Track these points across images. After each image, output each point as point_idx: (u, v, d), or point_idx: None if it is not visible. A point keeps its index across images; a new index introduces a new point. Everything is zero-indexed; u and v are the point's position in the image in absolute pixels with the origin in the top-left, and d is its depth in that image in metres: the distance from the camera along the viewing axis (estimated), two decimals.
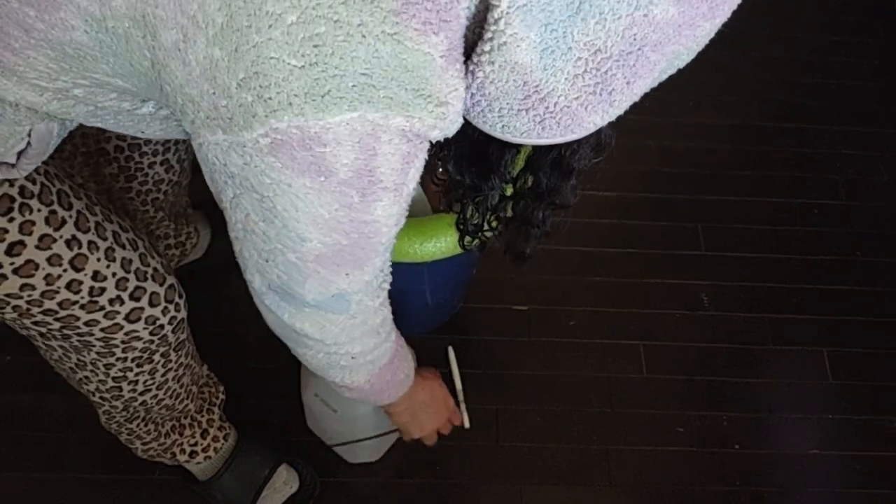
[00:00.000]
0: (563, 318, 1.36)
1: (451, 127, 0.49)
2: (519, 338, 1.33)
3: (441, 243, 0.94)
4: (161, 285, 0.78)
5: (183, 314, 0.83)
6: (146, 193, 1.05)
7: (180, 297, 0.82)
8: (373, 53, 0.43)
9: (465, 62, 0.47)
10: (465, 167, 0.65)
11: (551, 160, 0.62)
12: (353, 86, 0.44)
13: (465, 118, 0.51)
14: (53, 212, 0.67)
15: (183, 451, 1.06)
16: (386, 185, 0.50)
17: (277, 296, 0.63)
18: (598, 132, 0.54)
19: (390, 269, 0.66)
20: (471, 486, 1.20)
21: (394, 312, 1.27)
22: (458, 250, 0.95)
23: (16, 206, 0.64)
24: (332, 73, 0.43)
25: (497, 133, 0.51)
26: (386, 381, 0.81)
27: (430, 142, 0.50)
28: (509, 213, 0.73)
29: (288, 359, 1.14)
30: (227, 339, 1.26)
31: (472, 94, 0.48)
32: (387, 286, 0.67)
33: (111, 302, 0.74)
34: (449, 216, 0.96)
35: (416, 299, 1.22)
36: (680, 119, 1.62)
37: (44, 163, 0.67)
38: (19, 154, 0.59)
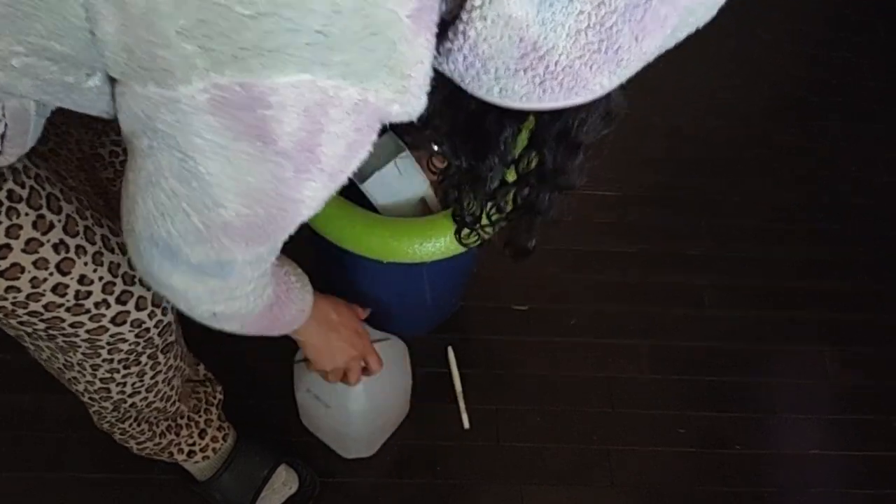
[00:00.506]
0: (564, 318, 1.35)
1: (412, 103, 0.45)
2: (519, 337, 1.33)
3: (441, 243, 0.94)
4: (149, 289, 0.77)
5: (170, 318, 0.82)
6: None
7: (168, 301, 0.81)
8: (332, 6, 0.39)
9: (448, 30, 0.44)
10: (460, 145, 0.61)
11: (557, 133, 0.56)
12: (307, 44, 0.40)
13: (460, 86, 0.47)
14: (42, 216, 0.67)
15: (181, 451, 1.06)
16: (324, 167, 0.47)
17: (156, 249, 0.57)
18: (608, 98, 0.49)
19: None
20: (471, 486, 1.20)
21: (394, 312, 1.28)
22: (459, 250, 0.95)
23: (2, 209, 0.64)
24: (286, 27, 0.39)
25: (494, 98, 0.47)
26: (264, 326, 0.74)
27: (386, 126, 0.46)
28: (510, 205, 0.68)
29: (287, 359, 1.15)
30: (226, 338, 1.25)
31: (465, 56, 0.44)
32: (272, 258, 0.62)
33: (97, 305, 0.73)
34: (449, 216, 0.96)
35: (416, 299, 1.22)
36: (679, 119, 1.62)
37: (35, 165, 0.67)
38: (2, 139, 0.58)
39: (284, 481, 1.13)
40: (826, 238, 1.50)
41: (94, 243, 0.72)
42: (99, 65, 0.47)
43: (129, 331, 0.78)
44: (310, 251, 1.33)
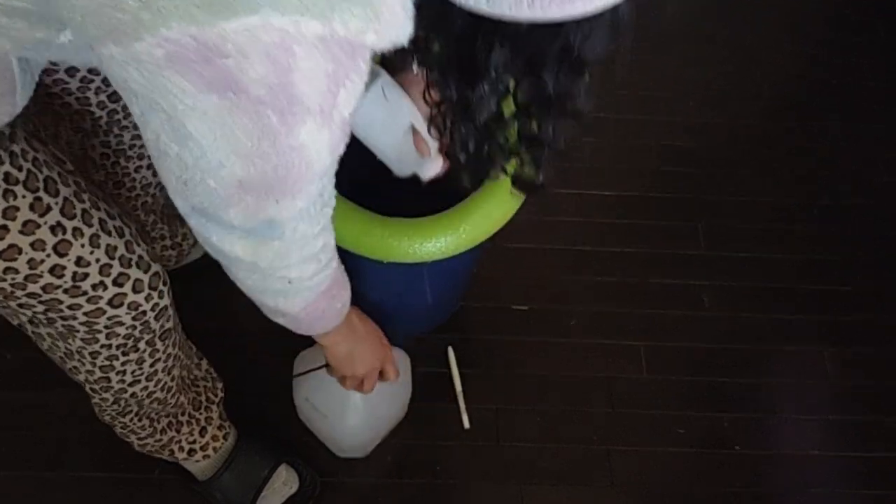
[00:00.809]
0: (564, 318, 1.36)
1: (392, 31, 0.42)
2: (519, 337, 1.33)
3: (441, 243, 0.94)
4: (145, 272, 0.78)
5: (166, 301, 0.82)
6: (136, 199, 1.05)
7: (164, 284, 0.81)
8: None
9: None
10: (450, 72, 0.56)
11: (558, 52, 0.50)
12: None
13: (449, 1, 0.43)
14: (39, 198, 0.67)
15: (181, 449, 1.06)
16: (309, 106, 0.44)
17: (203, 217, 0.57)
18: (615, 8, 0.44)
19: (334, 194, 0.60)
20: (471, 486, 1.20)
21: (394, 312, 1.28)
22: (459, 250, 0.95)
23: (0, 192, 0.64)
24: None
25: (483, 7, 0.42)
26: (322, 309, 0.74)
27: (373, 52, 0.43)
28: (511, 140, 0.62)
29: (287, 357, 1.15)
30: (227, 337, 1.26)
31: None
32: (329, 211, 0.61)
33: (94, 287, 0.74)
34: (449, 216, 0.96)
35: (416, 299, 1.22)
36: (679, 118, 1.62)
37: (33, 149, 0.67)
38: None
39: (285, 481, 1.13)
40: (826, 238, 1.50)
41: (91, 226, 0.72)
42: (55, 14, 0.46)
43: (126, 313, 0.78)
44: None
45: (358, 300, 1.24)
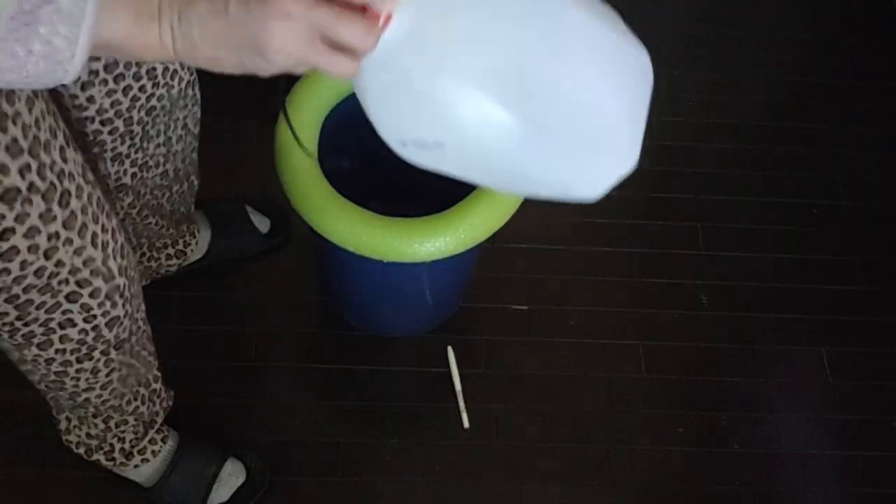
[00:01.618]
0: (563, 318, 1.36)
1: None
2: (519, 338, 1.33)
3: (441, 243, 0.95)
4: (106, 282, 0.79)
5: (118, 312, 0.84)
6: (146, 205, 1.06)
7: (121, 297, 0.83)
8: None
9: None
10: None
11: None
12: None
13: None
14: (49, 209, 0.68)
15: (123, 451, 1.06)
16: None
17: None
18: None
19: None
20: (470, 486, 1.20)
21: (394, 312, 1.28)
22: (458, 250, 0.95)
23: (20, 198, 0.65)
24: None
25: None
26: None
27: None
28: None
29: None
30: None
31: None
32: None
33: (59, 283, 0.75)
34: (449, 216, 0.96)
35: (416, 299, 1.22)
36: (679, 118, 1.62)
37: (63, 159, 0.69)
38: None
39: (231, 472, 1.14)
40: (825, 239, 1.50)
41: (83, 238, 0.74)
42: None
43: (79, 313, 0.79)
44: (310, 251, 1.34)
45: (358, 300, 1.25)
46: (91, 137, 0.90)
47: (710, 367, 1.34)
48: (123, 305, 0.84)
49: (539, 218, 1.44)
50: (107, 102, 0.86)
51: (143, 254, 1.18)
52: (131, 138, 0.93)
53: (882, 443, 1.30)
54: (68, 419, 1.04)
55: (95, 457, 1.06)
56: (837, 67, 1.75)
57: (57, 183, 0.68)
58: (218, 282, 1.31)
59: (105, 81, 0.84)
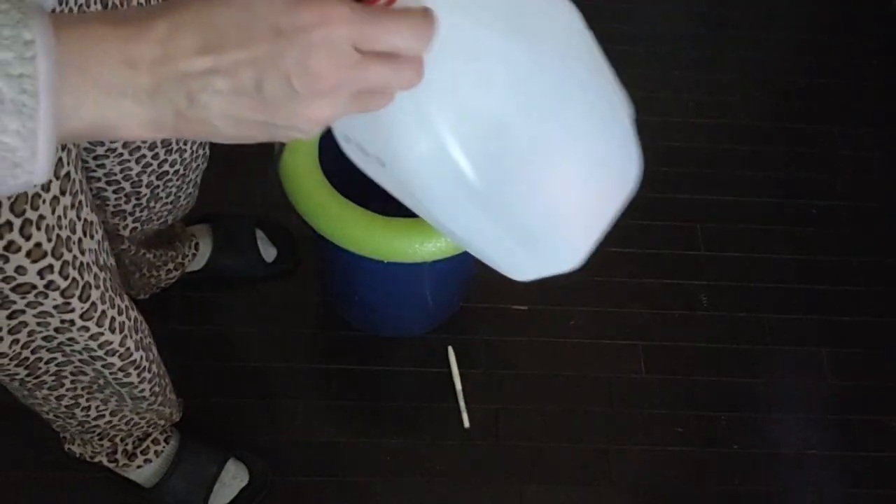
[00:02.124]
0: (563, 318, 1.36)
1: None
2: (519, 337, 1.33)
3: (441, 243, 0.95)
4: (122, 360, 0.79)
5: (132, 380, 0.84)
6: (144, 229, 1.06)
7: (136, 368, 0.83)
8: None
9: None
10: None
11: None
12: None
13: None
14: (67, 303, 0.68)
15: (125, 453, 1.06)
16: None
17: None
18: None
19: None
20: (470, 486, 1.21)
21: (394, 312, 1.28)
22: (459, 250, 0.95)
23: (34, 292, 0.64)
24: None
25: None
26: None
27: None
28: None
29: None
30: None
31: None
32: None
33: (72, 351, 0.75)
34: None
35: (416, 299, 1.22)
36: (678, 118, 1.62)
37: (80, 251, 0.67)
38: None
39: (234, 475, 1.13)
40: (824, 239, 1.50)
41: (100, 326, 0.74)
42: None
43: (92, 368, 0.79)
44: (310, 251, 1.34)
45: (358, 300, 1.25)
46: (94, 192, 0.88)
47: (709, 367, 1.34)
48: (139, 374, 0.84)
49: None
50: (117, 168, 0.84)
51: (143, 274, 1.18)
52: (137, 199, 0.92)
53: (881, 443, 1.30)
54: (73, 439, 1.03)
55: (98, 458, 1.06)
56: (837, 67, 1.75)
57: (78, 278, 0.67)
58: (219, 282, 1.31)
59: (119, 154, 0.82)
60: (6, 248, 0.60)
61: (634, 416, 1.28)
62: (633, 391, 1.30)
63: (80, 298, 0.68)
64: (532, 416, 1.27)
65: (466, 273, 1.26)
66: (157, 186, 0.92)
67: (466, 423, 1.25)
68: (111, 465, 1.07)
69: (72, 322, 0.70)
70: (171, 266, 1.21)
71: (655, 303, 1.39)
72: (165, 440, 1.09)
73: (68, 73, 0.34)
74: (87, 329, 0.72)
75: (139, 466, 1.08)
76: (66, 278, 0.66)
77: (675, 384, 1.32)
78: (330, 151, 1.02)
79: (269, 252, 1.31)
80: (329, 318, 1.32)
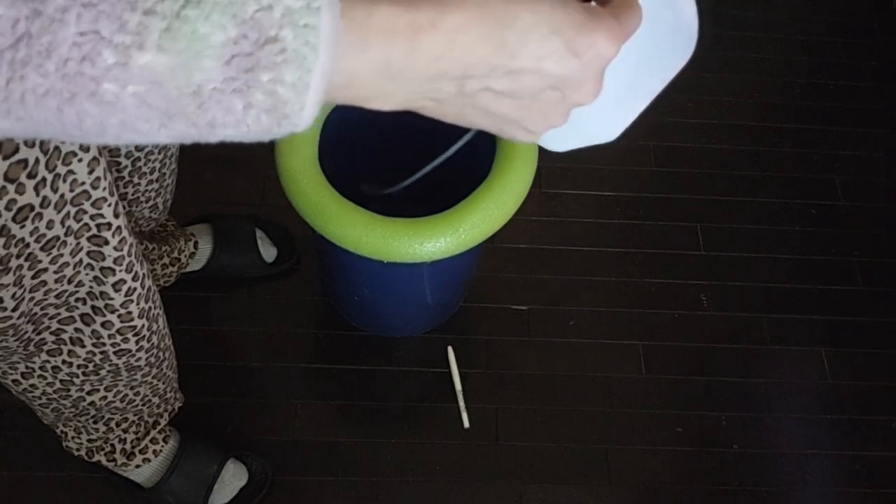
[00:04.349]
0: (563, 318, 1.36)
1: None
2: (519, 338, 1.33)
3: (441, 243, 0.95)
4: (118, 318, 0.80)
5: (130, 346, 0.84)
6: (142, 224, 1.07)
7: (135, 335, 0.83)
8: None
9: None
10: None
11: None
12: None
13: None
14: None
15: (124, 452, 1.06)
16: None
17: None
18: None
19: None
20: (470, 486, 1.21)
21: (394, 312, 1.28)
22: (459, 250, 0.95)
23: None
24: None
25: None
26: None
27: None
28: None
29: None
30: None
31: None
32: None
33: (76, 300, 0.76)
34: (449, 216, 0.96)
35: (416, 299, 1.22)
36: (679, 118, 1.62)
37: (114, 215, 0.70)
38: None
39: (234, 473, 1.14)
40: (824, 239, 1.50)
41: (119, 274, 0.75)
42: None
43: (89, 337, 0.80)
44: (310, 251, 1.34)
45: (358, 300, 1.25)
46: None
47: (709, 367, 1.34)
48: (137, 342, 0.84)
49: (539, 218, 1.44)
50: None
51: None
52: (118, 170, 0.92)
53: (881, 443, 1.30)
54: (67, 430, 1.03)
55: (96, 458, 1.06)
56: (837, 67, 1.75)
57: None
58: (218, 282, 1.31)
59: None
60: (41, 203, 0.63)
61: (634, 416, 1.28)
62: (633, 391, 1.30)
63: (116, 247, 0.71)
64: (532, 416, 1.27)
65: (466, 273, 1.26)
66: (139, 158, 0.92)
67: (466, 423, 1.25)
68: (110, 465, 1.07)
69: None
70: (166, 261, 1.20)
71: (655, 303, 1.39)
72: (164, 439, 1.09)
73: (348, 42, 0.34)
74: (100, 281, 0.73)
75: (138, 466, 1.08)
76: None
77: (675, 384, 1.32)
78: (330, 151, 1.02)
79: (269, 252, 1.32)
80: (329, 318, 1.32)
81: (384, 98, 0.37)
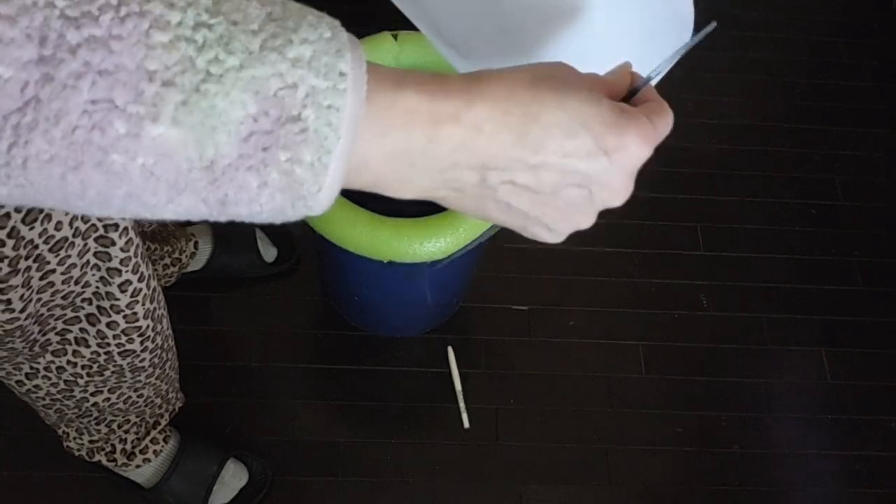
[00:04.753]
0: (563, 318, 1.36)
1: None
2: (519, 338, 1.33)
3: (441, 243, 0.95)
4: (123, 319, 0.80)
5: (135, 347, 0.84)
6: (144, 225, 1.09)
7: (140, 335, 0.84)
8: None
9: None
10: None
11: None
12: None
13: None
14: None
15: (124, 452, 1.06)
16: None
17: None
18: None
19: None
20: (470, 486, 1.21)
21: (394, 312, 1.28)
22: (458, 250, 0.95)
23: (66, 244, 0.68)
24: None
25: None
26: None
27: None
28: None
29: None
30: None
31: None
32: None
33: (82, 301, 0.77)
34: (449, 216, 0.96)
35: (416, 299, 1.22)
36: (679, 119, 1.61)
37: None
38: None
39: (234, 474, 1.14)
40: (824, 239, 1.50)
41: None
42: None
43: (93, 338, 0.80)
44: (310, 251, 1.34)
45: (358, 300, 1.25)
46: None
47: (709, 367, 1.34)
48: (142, 343, 0.84)
49: None
50: None
51: None
52: None
53: (881, 443, 1.30)
54: (68, 431, 1.03)
55: (97, 458, 1.06)
56: (837, 67, 1.75)
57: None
58: (219, 282, 1.31)
59: None
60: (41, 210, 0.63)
61: (634, 416, 1.28)
62: (633, 391, 1.30)
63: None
64: (531, 417, 1.27)
65: (466, 273, 1.26)
66: None
67: (466, 424, 1.25)
68: (110, 465, 1.07)
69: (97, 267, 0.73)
70: (167, 261, 1.20)
71: (655, 303, 1.39)
72: (165, 439, 1.09)
73: (370, 127, 0.34)
74: (106, 281, 0.74)
75: (138, 466, 1.08)
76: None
77: (674, 384, 1.32)
78: None
79: (269, 252, 1.32)
80: (329, 318, 1.32)
81: (403, 185, 0.36)
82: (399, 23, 0.70)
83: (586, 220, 0.41)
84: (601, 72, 0.41)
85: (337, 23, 0.33)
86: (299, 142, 0.31)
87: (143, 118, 0.29)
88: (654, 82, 0.41)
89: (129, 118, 0.29)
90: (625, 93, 0.40)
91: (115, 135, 0.29)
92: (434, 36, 0.55)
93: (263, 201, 0.32)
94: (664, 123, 0.40)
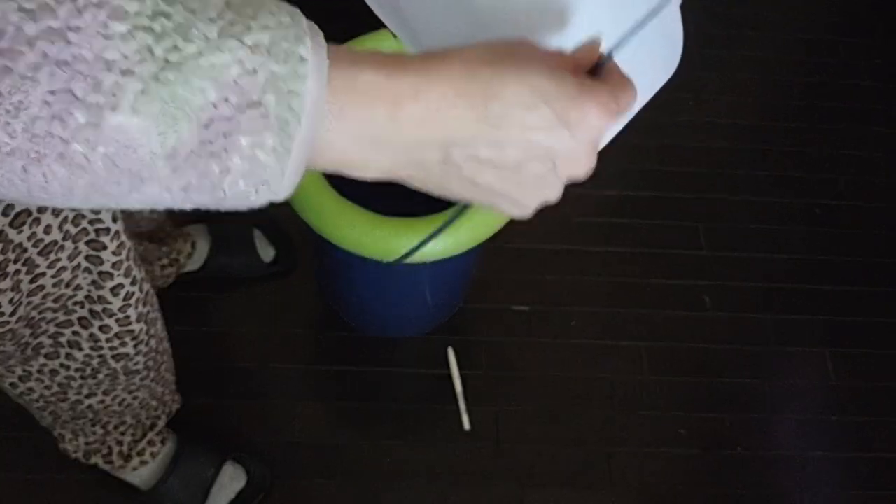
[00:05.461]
0: (564, 319, 1.35)
1: None
2: (519, 338, 1.32)
3: (441, 243, 0.94)
4: (115, 322, 0.80)
5: (128, 350, 0.84)
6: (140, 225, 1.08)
7: (133, 339, 0.83)
8: None
9: None
10: None
11: None
12: None
13: None
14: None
15: (121, 454, 1.05)
16: None
17: None
18: None
19: None
20: (471, 488, 1.20)
21: (394, 313, 1.27)
22: (459, 250, 0.95)
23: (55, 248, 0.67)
24: None
25: None
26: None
27: None
28: None
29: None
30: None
31: None
32: None
33: (74, 304, 0.76)
34: (449, 216, 0.95)
35: (416, 299, 1.21)
36: (680, 118, 1.61)
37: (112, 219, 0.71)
38: None
39: (231, 476, 1.13)
40: (826, 239, 1.50)
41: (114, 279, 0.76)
42: None
43: (86, 341, 0.80)
44: (309, 251, 1.33)
45: (359, 300, 1.24)
46: None
47: (712, 368, 1.33)
48: (136, 346, 0.84)
49: (539, 218, 1.43)
50: None
51: None
52: None
53: (886, 444, 1.29)
54: (64, 432, 1.02)
55: (93, 460, 1.05)
56: (837, 67, 1.75)
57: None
58: (217, 283, 1.30)
59: None
60: (39, 208, 0.63)
61: (636, 417, 1.27)
62: (635, 393, 1.30)
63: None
64: (533, 418, 1.26)
65: (466, 273, 1.25)
66: None
67: (466, 425, 1.24)
68: (107, 468, 1.06)
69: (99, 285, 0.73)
70: (165, 262, 1.20)
71: (657, 303, 1.38)
72: (162, 441, 1.08)
73: (329, 109, 0.34)
74: (97, 285, 0.74)
75: (135, 468, 1.07)
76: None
77: (677, 385, 1.31)
78: None
79: (267, 252, 1.31)
80: (328, 319, 1.31)
81: (367, 165, 0.37)
82: None
83: (552, 193, 0.40)
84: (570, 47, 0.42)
85: (296, 10, 0.33)
86: (261, 127, 0.32)
87: (103, 108, 0.29)
88: (616, 57, 0.41)
89: (89, 108, 0.29)
90: (589, 68, 0.40)
91: (76, 125, 0.29)
92: (407, 37, 0.54)
93: (226, 187, 0.33)
94: (626, 96, 0.40)
